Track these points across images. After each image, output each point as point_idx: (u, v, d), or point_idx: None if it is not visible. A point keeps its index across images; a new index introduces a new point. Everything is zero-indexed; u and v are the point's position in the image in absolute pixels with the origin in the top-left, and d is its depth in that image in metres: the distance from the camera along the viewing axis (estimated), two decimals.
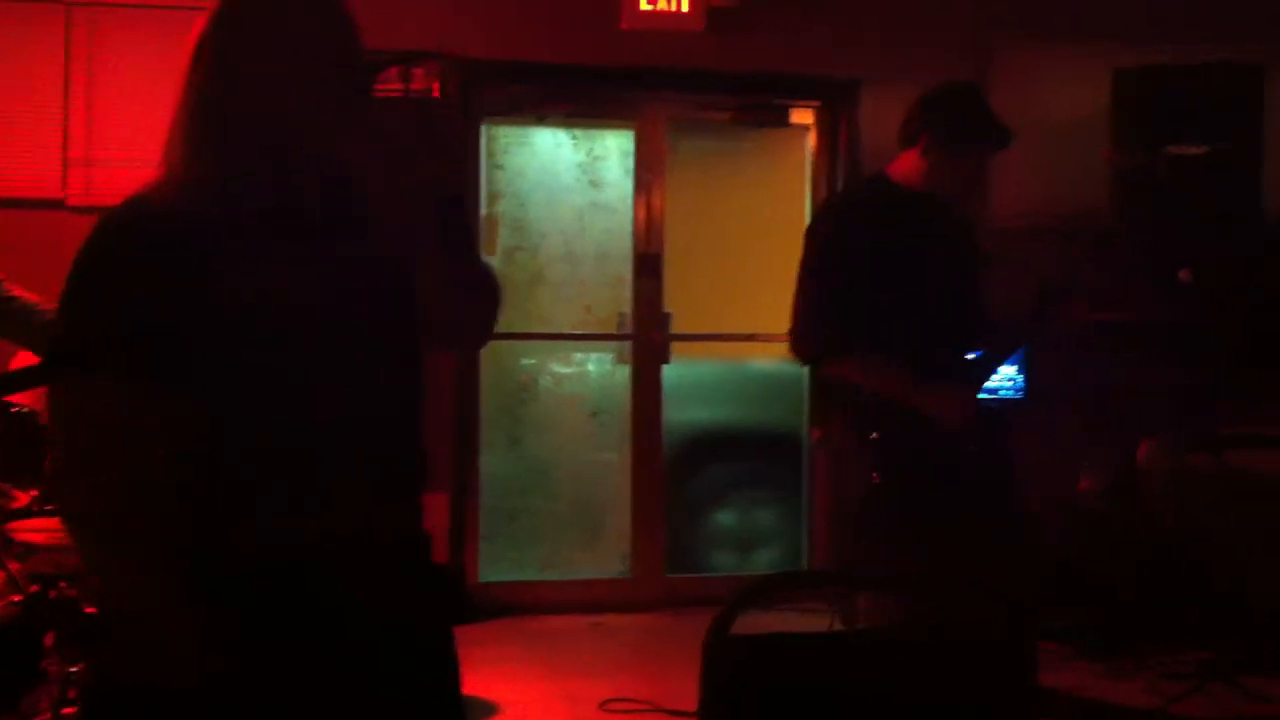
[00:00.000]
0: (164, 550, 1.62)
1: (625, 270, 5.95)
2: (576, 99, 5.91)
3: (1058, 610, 4.76)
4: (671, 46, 5.60)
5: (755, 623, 1.79)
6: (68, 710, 3.11)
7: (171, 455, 1.63)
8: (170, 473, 1.64)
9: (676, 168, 5.97)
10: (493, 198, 6.00)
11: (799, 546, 6.12)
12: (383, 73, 1.72)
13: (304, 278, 1.66)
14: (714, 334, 6.09)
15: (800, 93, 5.95)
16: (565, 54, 5.57)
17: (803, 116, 6.03)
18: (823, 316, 3.19)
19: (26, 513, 3.28)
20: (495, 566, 5.82)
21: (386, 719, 1.71)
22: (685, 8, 5.53)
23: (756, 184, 6.25)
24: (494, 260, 5.86)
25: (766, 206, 6.17)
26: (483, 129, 5.82)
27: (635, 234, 5.89)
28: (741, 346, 6.11)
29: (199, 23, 1.70)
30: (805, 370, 3.44)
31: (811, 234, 3.34)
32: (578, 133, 6.12)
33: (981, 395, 3.30)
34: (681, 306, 5.90)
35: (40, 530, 3.21)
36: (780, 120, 6.11)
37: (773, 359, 5.90)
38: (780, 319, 3.32)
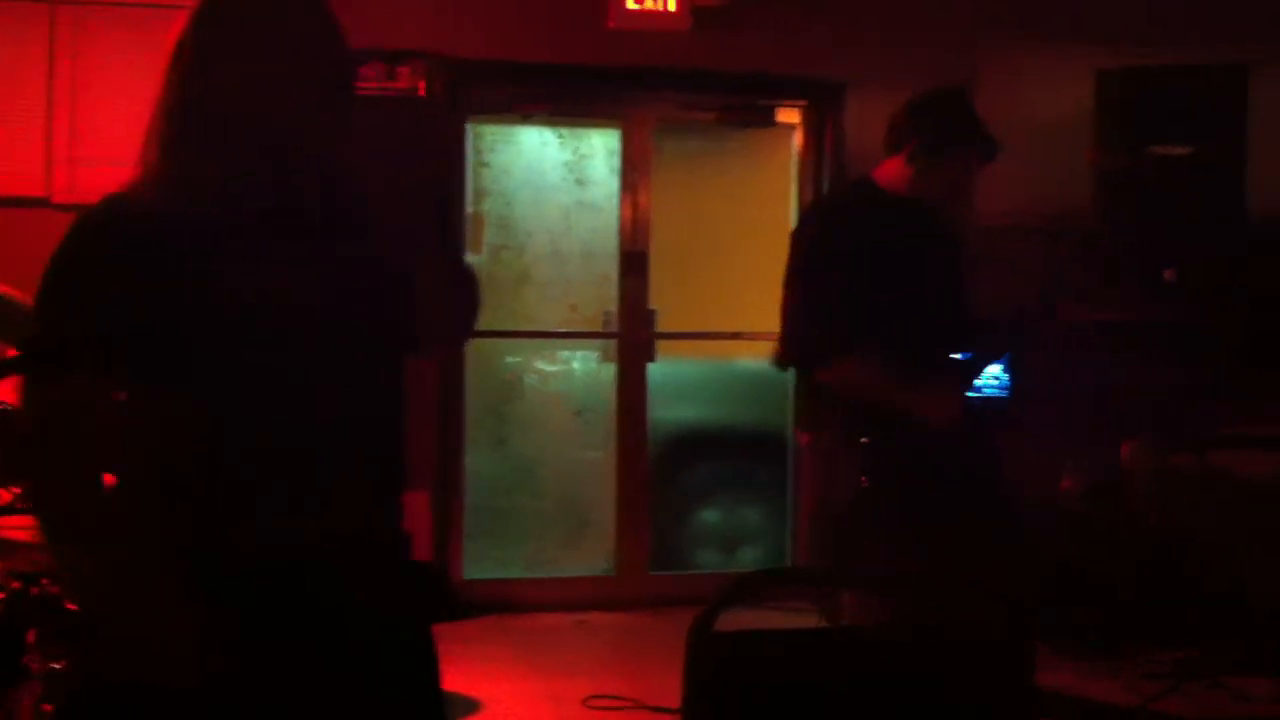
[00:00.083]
0: (137, 550, 1.61)
1: (611, 268, 5.95)
2: (563, 98, 5.91)
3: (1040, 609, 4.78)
4: (658, 46, 5.60)
5: (739, 620, 1.79)
6: (49, 707, 3.10)
7: (166, 454, 1.63)
8: (158, 472, 1.64)
9: (662, 166, 5.98)
10: (479, 196, 5.99)
11: (783, 545, 6.13)
12: (360, 69, 1.71)
13: (289, 277, 1.66)
14: (700, 332, 6.10)
15: (786, 93, 5.96)
16: (551, 53, 5.57)
17: (789, 116, 6.04)
18: (811, 323, 3.19)
19: (9, 510, 3.27)
20: (480, 564, 5.82)
21: (371, 716, 1.72)
22: (672, 7, 5.53)
23: (742, 183, 6.26)
24: (480, 258, 5.86)
25: (752, 206, 6.18)
26: (468, 127, 5.81)
27: (621, 232, 5.89)
28: (727, 345, 6.12)
29: (179, 22, 1.70)
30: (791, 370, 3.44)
31: (797, 238, 3.34)
32: (564, 131, 6.12)
33: (968, 394, 3.31)
34: (667, 305, 5.91)
35: (22, 527, 3.20)
36: (766, 120, 6.12)
37: (758, 357, 5.90)
38: (766, 317, 3.33)
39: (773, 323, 3.35)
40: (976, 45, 5.73)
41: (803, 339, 3.22)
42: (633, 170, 5.90)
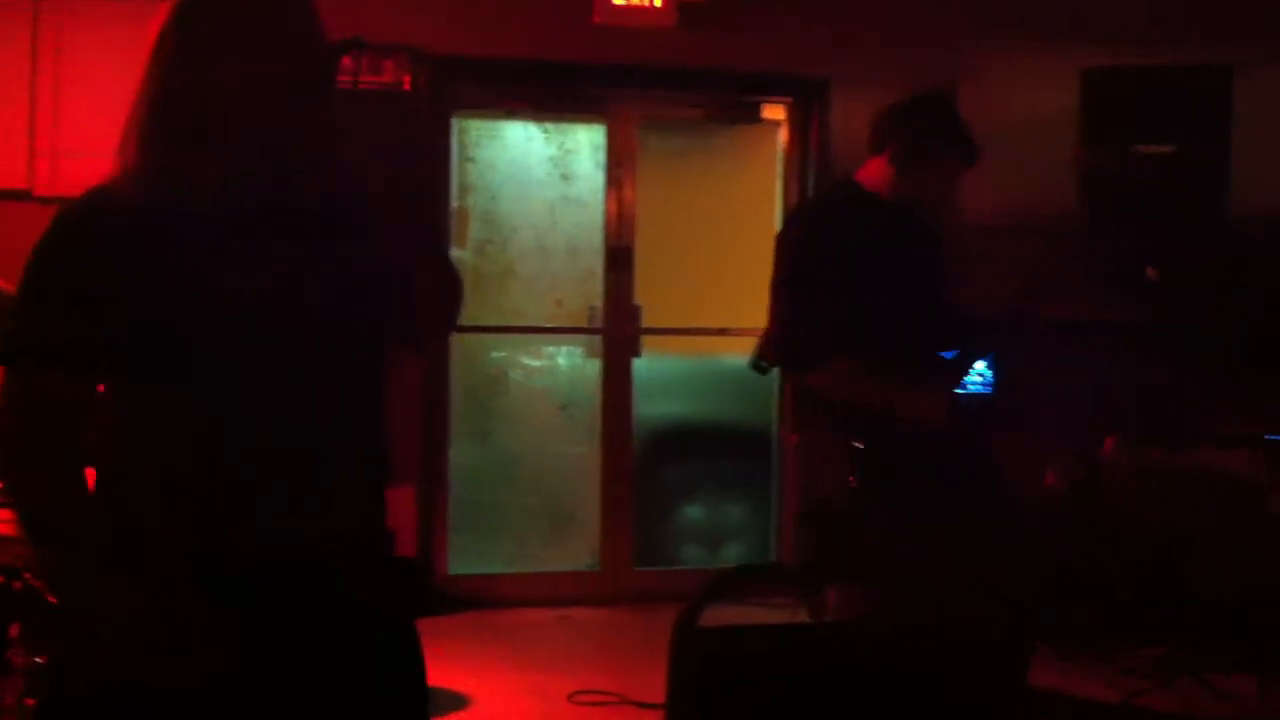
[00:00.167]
0: (123, 549, 1.61)
1: (596, 264, 5.95)
2: (548, 93, 5.90)
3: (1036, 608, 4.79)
4: (644, 42, 5.60)
5: (723, 615, 1.80)
6: (31, 701, 3.09)
7: (166, 454, 1.62)
8: (158, 472, 1.63)
9: (648, 162, 5.98)
10: (463, 190, 5.99)
11: (768, 541, 6.14)
12: (340, 60, 1.70)
13: (289, 277, 1.65)
14: (685, 328, 6.10)
15: (772, 90, 5.96)
16: (537, 48, 5.56)
17: (774, 112, 6.04)
18: (799, 326, 3.19)
19: None
20: (464, 559, 5.81)
21: (359, 706, 1.72)
22: (658, 3, 5.53)
23: (728, 179, 6.26)
24: (465, 253, 5.86)
25: (738, 202, 6.18)
26: (453, 121, 5.80)
27: (606, 228, 5.89)
28: (712, 341, 6.12)
29: (160, 14, 1.69)
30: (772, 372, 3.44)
31: (783, 241, 3.34)
32: (549, 126, 6.11)
33: (958, 391, 3.32)
34: (652, 300, 5.91)
35: (3, 521, 3.18)
36: (752, 117, 6.13)
37: (743, 353, 5.90)
38: (751, 313, 3.33)
39: (758, 319, 3.35)
40: (963, 43, 5.74)
41: (791, 342, 3.22)
42: (618, 166, 5.89)
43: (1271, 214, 5.50)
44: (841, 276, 3.15)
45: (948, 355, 3.35)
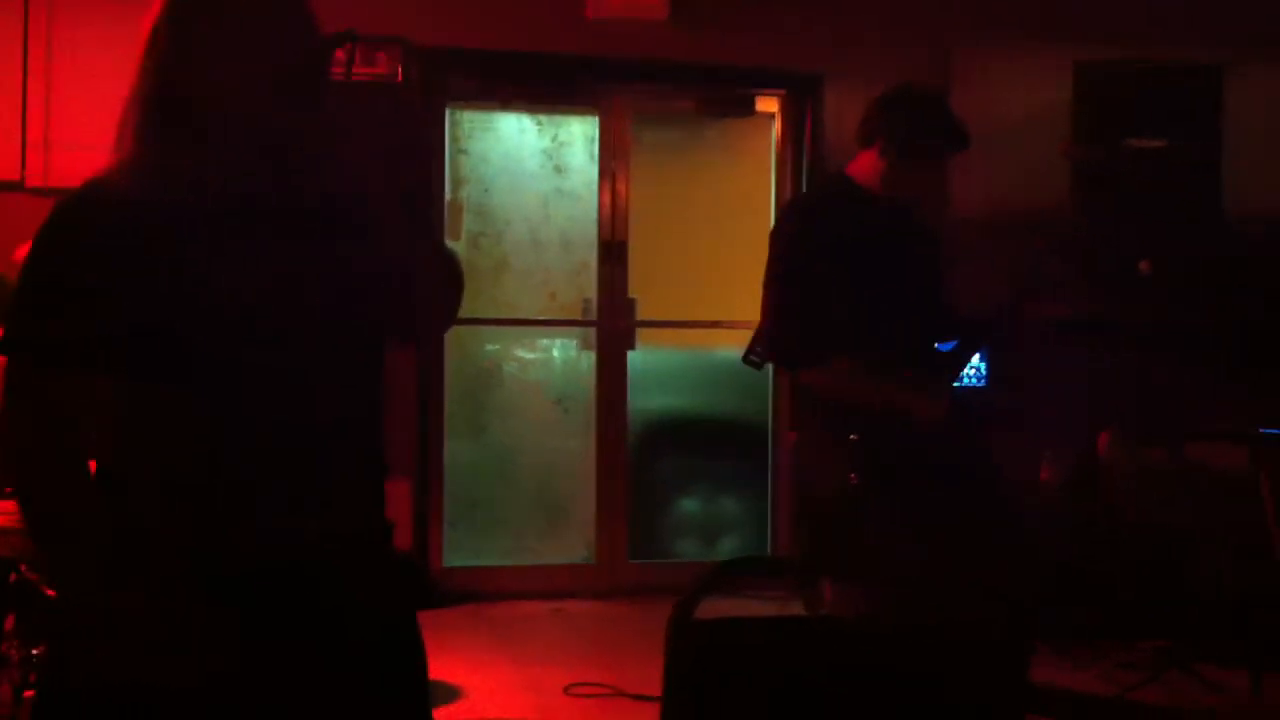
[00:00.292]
0: (124, 546, 1.60)
1: (590, 256, 5.95)
2: (541, 85, 5.90)
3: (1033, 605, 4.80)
4: (636, 34, 5.60)
5: (718, 608, 1.80)
6: (29, 694, 3.09)
7: (166, 454, 1.62)
8: (158, 472, 1.63)
9: (642, 154, 5.97)
10: (457, 183, 5.98)
11: (763, 534, 6.15)
12: (334, 52, 1.70)
13: (290, 276, 1.64)
14: (679, 321, 6.10)
15: (765, 82, 5.96)
16: (530, 40, 5.56)
17: (768, 105, 6.04)
18: (793, 323, 3.18)
19: None
20: (459, 552, 5.81)
21: (360, 706, 1.71)
22: None
23: (722, 171, 6.26)
24: (459, 246, 5.85)
25: (732, 194, 6.18)
26: (447, 113, 5.80)
27: (600, 220, 5.88)
28: (707, 333, 6.12)
29: (154, 6, 1.68)
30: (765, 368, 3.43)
31: (776, 237, 3.32)
32: (542, 119, 6.10)
33: (954, 387, 3.31)
34: (647, 293, 5.91)
35: (0, 513, 3.18)
36: (745, 110, 6.12)
37: (738, 346, 5.89)
38: (746, 306, 3.33)
39: (753, 312, 3.35)
40: (955, 38, 5.74)
41: (784, 338, 3.21)
42: (612, 159, 5.89)
43: (1267, 214, 5.51)
44: (834, 272, 3.14)
45: (944, 347, 3.35)
